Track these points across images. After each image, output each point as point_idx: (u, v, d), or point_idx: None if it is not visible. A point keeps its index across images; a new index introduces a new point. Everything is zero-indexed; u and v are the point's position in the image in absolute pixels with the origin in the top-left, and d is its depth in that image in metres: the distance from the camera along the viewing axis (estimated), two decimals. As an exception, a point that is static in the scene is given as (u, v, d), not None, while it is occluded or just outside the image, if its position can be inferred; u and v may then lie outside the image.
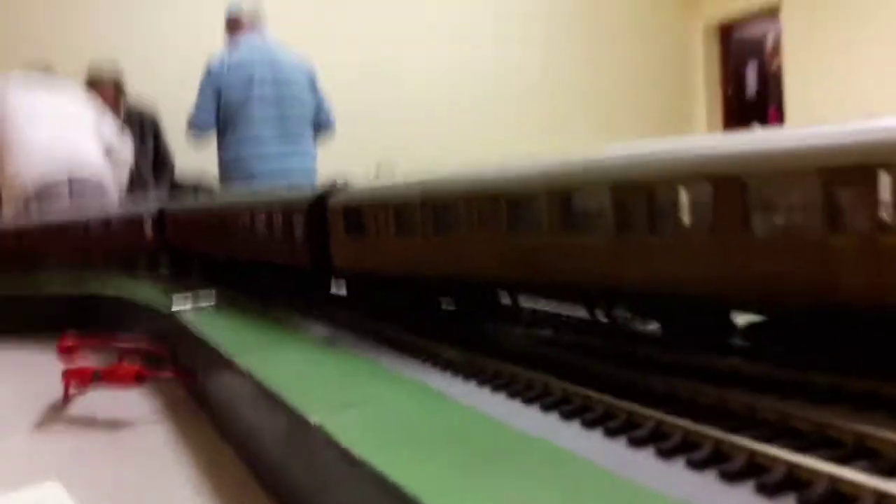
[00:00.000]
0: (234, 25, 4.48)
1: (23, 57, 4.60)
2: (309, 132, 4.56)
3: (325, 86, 4.74)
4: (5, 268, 3.02)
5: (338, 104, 4.84)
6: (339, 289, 1.64)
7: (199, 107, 4.35)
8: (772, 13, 8.52)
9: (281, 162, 4.33)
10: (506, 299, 1.18)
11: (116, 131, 4.51)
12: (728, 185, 0.75)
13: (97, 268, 2.72)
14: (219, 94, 4.31)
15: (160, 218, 2.44)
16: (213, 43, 4.57)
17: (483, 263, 1.09)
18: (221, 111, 4.34)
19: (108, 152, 4.39)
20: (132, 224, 2.55)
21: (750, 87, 9.47)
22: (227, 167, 4.39)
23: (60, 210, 3.42)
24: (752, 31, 9.50)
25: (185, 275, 2.34)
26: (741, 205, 0.74)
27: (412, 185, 1.24)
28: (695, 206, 0.79)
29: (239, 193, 2.34)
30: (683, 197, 0.81)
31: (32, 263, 2.95)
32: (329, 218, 1.46)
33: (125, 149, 4.53)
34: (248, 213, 1.83)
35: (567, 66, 8.34)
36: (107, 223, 2.67)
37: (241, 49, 4.37)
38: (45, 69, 4.47)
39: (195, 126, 4.40)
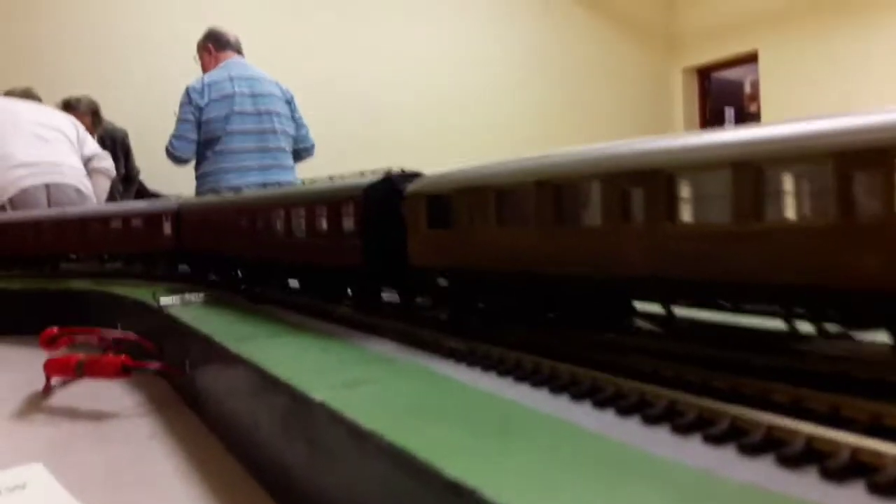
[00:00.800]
0: (219, 42, 4.53)
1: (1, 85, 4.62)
2: (288, 147, 4.62)
3: (307, 102, 4.83)
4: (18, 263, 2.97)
5: (318, 121, 4.93)
6: (399, 292, 1.41)
7: (180, 135, 4.39)
8: (749, 59, 8.75)
9: (261, 175, 4.35)
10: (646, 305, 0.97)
11: (96, 144, 4.56)
12: None
13: (107, 274, 2.63)
14: (199, 116, 4.33)
15: (177, 216, 2.27)
16: (185, 67, 4.63)
17: (633, 260, 0.83)
18: (202, 128, 4.35)
19: (89, 160, 4.40)
20: (148, 222, 2.39)
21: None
22: (206, 181, 4.40)
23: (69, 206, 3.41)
24: (731, 75, 9.75)
25: (203, 278, 2.20)
26: None
27: (524, 166, 1.01)
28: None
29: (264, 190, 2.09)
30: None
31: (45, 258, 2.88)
32: (407, 208, 1.23)
33: (106, 158, 4.55)
34: (282, 208, 1.61)
35: (548, 108, 8.50)
36: (119, 219, 2.52)
37: (220, 69, 4.46)
38: (24, 93, 4.51)
39: (176, 156, 4.43)
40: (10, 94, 4.50)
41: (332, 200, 1.40)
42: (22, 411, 1.48)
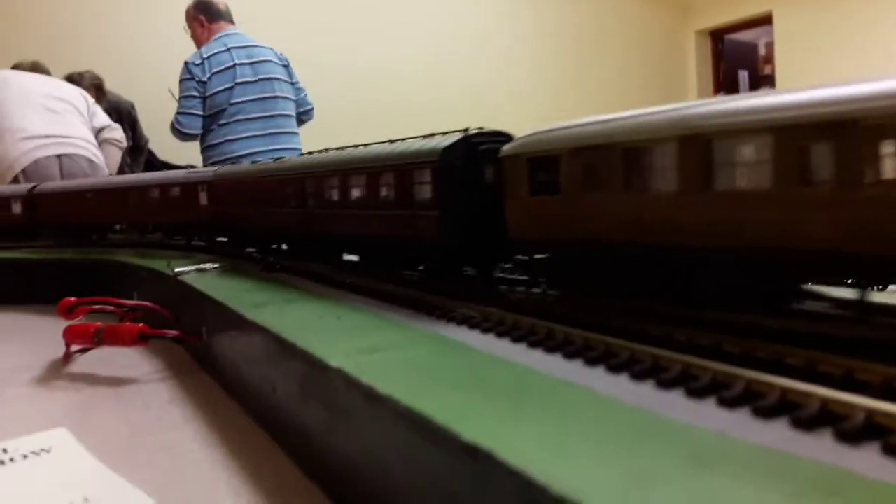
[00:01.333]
0: (210, 13, 4.50)
1: (6, 62, 4.62)
2: (292, 112, 4.61)
3: (310, 80, 4.83)
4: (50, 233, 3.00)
5: (318, 99, 4.94)
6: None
7: (186, 111, 4.37)
8: (764, 20, 8.59)
9: (266, 143, 4.35)
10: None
11: (106, 116, 4.56)
12: None
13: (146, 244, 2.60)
14: (203, 90, 4.32)
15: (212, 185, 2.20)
16: (188, 43, 4.61)
17: (814, 232, 0.70)
18: (206, 102, 4.35)
19: (100, 131, 4.42)
20: (183, 192, 2.32)
21: (743, 92, 9.53)
22: (212, 153, 4.41)
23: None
24: (745, 37, 9.58)
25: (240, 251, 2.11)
26: None
27: (662, 118, 0.85)
28: None
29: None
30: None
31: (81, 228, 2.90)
32: (505, 171, 1.09)
33: (117, 130, 4.57)
34: (339, 175, 1.47)
35: (560, 71, 8.40)
36: (155, 188, 2.47)
37: (216, 41, 4.42)
38: (32, 66, 4.50)
39: (184, 132, 4.42)
40: (17, 67, 4.50)
41: (402, 166, 1.25)
42: (44, 378, 1.50)
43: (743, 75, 9.55)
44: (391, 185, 1.29)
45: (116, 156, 4.61)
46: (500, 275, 1.27)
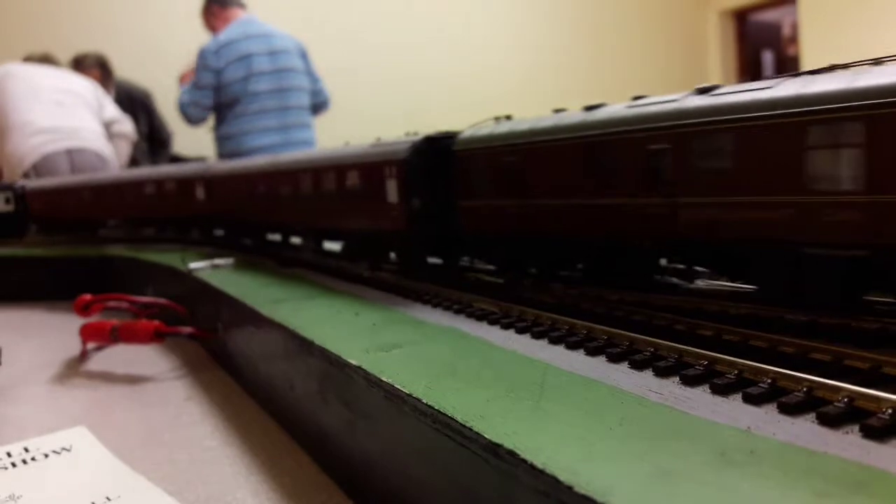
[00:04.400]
0: (222, 1, 4.45)
1: (18, 52, 4.59)
2: (307, 104, 4.57)
3: (324, 71, 4.80)
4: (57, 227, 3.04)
5: (334, 88, 4.91)
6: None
7: (196, 101, 4.32)
8: (788, 0, 8.43)
9: (282, 135, 4.33)
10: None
11: (116, 107, 4.56)
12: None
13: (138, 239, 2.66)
14: (217, 80, 4.28)
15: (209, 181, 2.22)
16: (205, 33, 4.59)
17: None
18: (221, 90, 4.30)
19: (110, 125, 4.41)
20: (179, 186, 2.36)
21: (766, 74, 9.38)
22: (227, 143, 4.37)
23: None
24: (769, 17, 9.38)
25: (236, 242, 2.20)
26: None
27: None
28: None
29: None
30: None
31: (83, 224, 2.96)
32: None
33: (126, 122, 4.56)
34: (332, 170, 1.61)
35: (581, 53, 8.32)
36: (152, 184, 2.52)
37: (233, 28, 4.36)
38: (43, 58, 4.48)
39: (190, 119, 4.39)
40: (28, 59, 4.50)
41: (366, 163, 1.44)
42: (62, 376, 1.51)
43: (767, 56, 9.39)
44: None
45: (125, 148, 4.59)
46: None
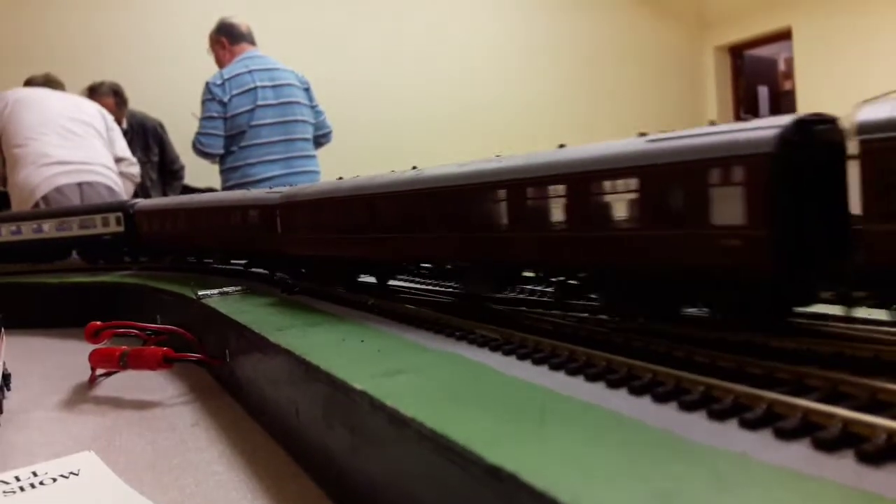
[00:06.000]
0: (232, 35, 4.55)
1: (25, 73, 4.65)
2: (310, 136, 4.65)
3: (325, 97, 4.88)
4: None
5: (337, 115, 4.99)
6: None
7: (208, 132, 4.40)
8: (783, 35, 8.55)
9: (285, 166, 4.39)
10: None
11: (124, 145, 4.58)
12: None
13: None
14: (224, 111, 4.36)
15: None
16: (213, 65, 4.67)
17: None
18: (226, 123, 4.39)
19: (119, 162, 4.45)
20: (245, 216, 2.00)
21: (762, 109, 9.49)
22: (232, 175, 4.45)
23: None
24: (764, 53, 9.52)
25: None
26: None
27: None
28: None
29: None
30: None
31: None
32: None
33: (134, 165, 4.61)
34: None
35: (577, 88, 8.41)
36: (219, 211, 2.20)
37: (238, 62, 4.47)
38: (45, 80, 4.49)
39: (206, 152, 4.47)
40: (30, 82, 4.50)
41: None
42: (71, 401, 1.53)
43: (763, 91, 9.50)
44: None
45: (130, 189, 4.64)
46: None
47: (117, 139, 4.55)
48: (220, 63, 4.56)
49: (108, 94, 4.96)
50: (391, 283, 1.67)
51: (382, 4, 7.29)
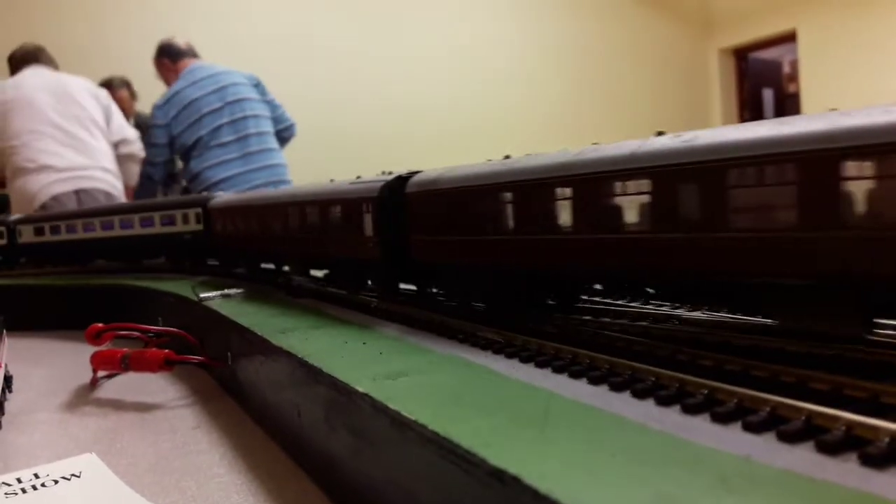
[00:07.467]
0: (171, 53, 4.61)
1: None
2: (269, 130, 4.65)
3: (316, 102, 4.87)
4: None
5: (322, 120, 4.96)
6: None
7: (154, 161, 4.53)
8: (787, 38, 8.55)
9: (244, 164, 4.43)
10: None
11: (127, 124, 4.57)
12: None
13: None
14: (168, 131, 4.43)
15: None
16: (231, 55, 4.68)
17: None
18: (177, 140, 4.45)
19: (118, 145, 4.42)
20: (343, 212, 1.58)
21: (767, 111, 9.48)
22: (196, 184, 4.48)
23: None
24: (769, 55, 9.51)
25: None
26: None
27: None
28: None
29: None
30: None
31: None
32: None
33: (134, 142, 4.56)
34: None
35: (582, 91, 8.42)
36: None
37: (181, 80, 4.51)
38: (36, 50, 4.37)
39: (155, 180, 4.58)
40: (22, 51, 4.35)
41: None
42: (72, 403, 1.53)
43: (767, 94, 9.49)
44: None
45: (135, 169, 4.59)
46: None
47: (115, 116, 4.49)
48: (168, 83, 4.61)
49: (121, 87, 4.98)
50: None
51: (383, 5, 7.30)
